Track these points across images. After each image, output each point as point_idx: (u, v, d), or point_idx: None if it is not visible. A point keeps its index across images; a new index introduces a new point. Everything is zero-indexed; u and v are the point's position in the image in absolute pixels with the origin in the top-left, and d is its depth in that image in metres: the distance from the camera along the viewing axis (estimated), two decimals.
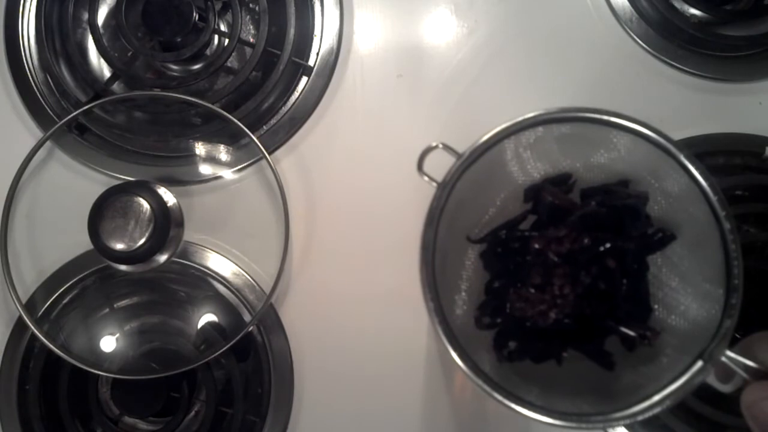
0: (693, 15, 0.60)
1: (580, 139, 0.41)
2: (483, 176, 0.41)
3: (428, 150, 0.41)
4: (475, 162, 0.40)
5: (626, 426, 0.55)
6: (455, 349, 0.39)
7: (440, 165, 0.41)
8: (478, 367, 0.39)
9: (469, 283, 0.44)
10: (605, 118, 0.39)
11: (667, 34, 0.59)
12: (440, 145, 0.41)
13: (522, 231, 0.42)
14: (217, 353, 0.55)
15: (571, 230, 0.39)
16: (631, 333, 0.39)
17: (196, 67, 0.63)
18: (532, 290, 0.39)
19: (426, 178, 0.41)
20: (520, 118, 0.40)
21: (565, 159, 0.42)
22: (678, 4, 0.60)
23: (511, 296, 0.40)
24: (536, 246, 0.40)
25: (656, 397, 0.37)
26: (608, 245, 0.39)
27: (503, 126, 0.40)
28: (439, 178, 0.41)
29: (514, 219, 0.42)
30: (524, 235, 0.41)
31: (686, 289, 0.40)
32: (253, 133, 0.58)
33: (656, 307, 0.41)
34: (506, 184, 0.44)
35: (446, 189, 0.40)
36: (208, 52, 0.63)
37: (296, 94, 0.61)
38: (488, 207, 0.44)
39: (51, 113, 0.61)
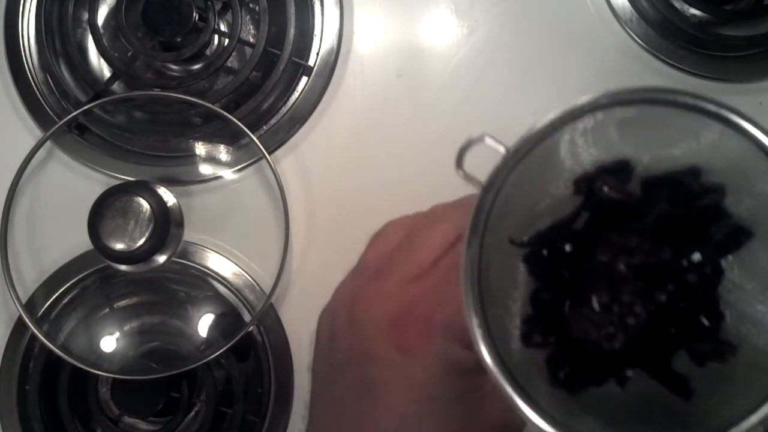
0: (693, 15, 0.60)
1: (648, 126, 0.35)
2: (532, 172, 0.35)
3: (469, 144, 0.34)
4: (525, 157, 0.33)
5: None
6: (514, 388, 0.32)
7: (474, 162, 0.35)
8: (536, 403, 0.33)
9: (521, 302, 0.37)
10: (690, 102, 0.33)
11: (667, 34, 0.59)
12: (486, 138, 0.33)
13: (575, 231, 0.35)
14: (217, 353, 0.55)
15: (643, 239, 0.33)
16: (703, 347, 0.34)
17: (196, 67, 0.63)
18: (596, 307, 0.33)
19: (463, 178, 0.34)
20: (579, 103, 0.33)
21: (628, 149, 0.36)
22: (678, 4, 0.60)
23: (569, 315, 0.34)
24: (603, 259, 0.34)
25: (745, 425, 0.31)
26: (694, 259, 0.33)
27: (559, 113, 0.33)
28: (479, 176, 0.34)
29: (565, 218, 0.35)
30: (579, 236, 0.35)
31: (765, 292, 0.35)
32: (253, 133, 0.58)
33: (727, 313, 0.35)
34: (559, 179, 0.37)
35: (492, 192, 0.33)
36: (208, 52, 0.63)
37: (296, 94, 0.61)
38: (538, 208, 0.37)
39: (51, 113, 0.61)
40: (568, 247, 0.35)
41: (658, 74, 0.59)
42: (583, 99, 0.33)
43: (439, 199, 0.58)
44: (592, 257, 0.34)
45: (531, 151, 0.33)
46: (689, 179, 0.34)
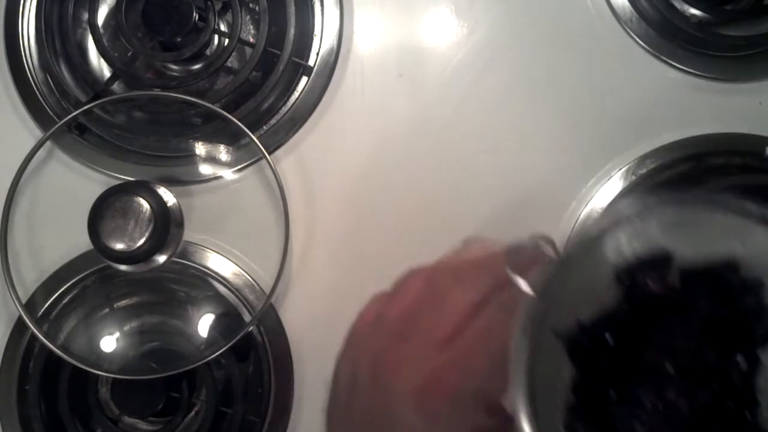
0: (693, 15, 0.60)
1: (691, 225, 0.36)
2: (577, 268, 0.37)
3: (520, 247, 0.35)
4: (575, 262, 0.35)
5: None
6: None
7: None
8: None
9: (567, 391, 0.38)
10: (734, 205, 0.34)
11: (667, 34, 0.59)
12: (539, 243, 0.35)
13: (617, 322, 0.36)
14: (217, 353, 0.55)
15: (689, 339, 0.34)
16: None
17: (196, 67, 0.63)
18: (642, 405, 0.34)
19: (513, 280, 0.35)
20: (628, 208, 0.35)
21: (671, 244, 0.37)
22: (678, 4, 0.60)
23: (614, 411, 0.34)
24: (650, 359, 0.34)
25: None
26: (740, 363, 0.34)
27: (607, 218, 0.35)
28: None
29: (608, 310, 0.36)
30: (622, 327, 0.35)
31: None
32: (253, 133, 0.58)
33: (762, 400, 0.36)
34: (602, 272, 0.38)
35: (546, 300, 0.34)
36: (208, 52, 0.63)
37: (296, 94, 0.61)
38: (582, 299, 0.38)
39: (51, 113, 0.61)
40: (610, 339, 0.35)
41: (658, 74, 0.59)
42: (630, 203, 0.34)
43: (438, 199, 0.58)
44: (635, 353, 0.35)
45: (581, 256, 0.34)
46: (729, 273, 0.35)
